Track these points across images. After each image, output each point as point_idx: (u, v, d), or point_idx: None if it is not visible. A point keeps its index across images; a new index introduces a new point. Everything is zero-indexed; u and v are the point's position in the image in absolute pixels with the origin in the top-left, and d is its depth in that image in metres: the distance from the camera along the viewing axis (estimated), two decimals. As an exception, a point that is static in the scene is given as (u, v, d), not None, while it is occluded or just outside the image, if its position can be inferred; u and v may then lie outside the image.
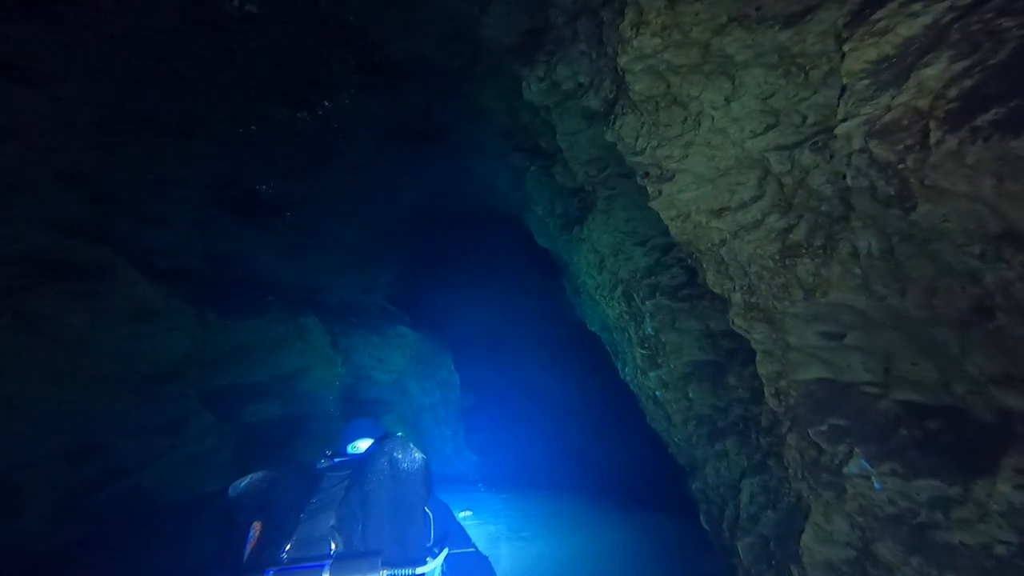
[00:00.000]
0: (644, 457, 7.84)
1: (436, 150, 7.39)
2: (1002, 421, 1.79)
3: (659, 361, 4.63)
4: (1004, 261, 1.39)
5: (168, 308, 5.70)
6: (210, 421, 6.59)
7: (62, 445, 5.13)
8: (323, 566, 1.56)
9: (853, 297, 2.20)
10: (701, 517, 4.39)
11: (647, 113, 2.70)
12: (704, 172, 2.61)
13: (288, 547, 1.66)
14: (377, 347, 9.55)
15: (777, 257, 2.45)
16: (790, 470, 2.70)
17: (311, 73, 5.81)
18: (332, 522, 1.72)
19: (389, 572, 1.58)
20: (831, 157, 2.09)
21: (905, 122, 1.50)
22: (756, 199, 2.51)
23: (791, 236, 2.38)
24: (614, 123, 2.97)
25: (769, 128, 2.33)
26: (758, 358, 2.87)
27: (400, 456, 1.84)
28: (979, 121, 1.27)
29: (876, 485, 2.21)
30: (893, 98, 1.54)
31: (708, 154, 2.55)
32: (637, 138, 2.83)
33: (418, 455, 1.87)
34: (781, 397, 2.75)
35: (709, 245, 2.75)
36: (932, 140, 1.39)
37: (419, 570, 1.65)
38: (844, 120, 1.75)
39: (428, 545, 1.88)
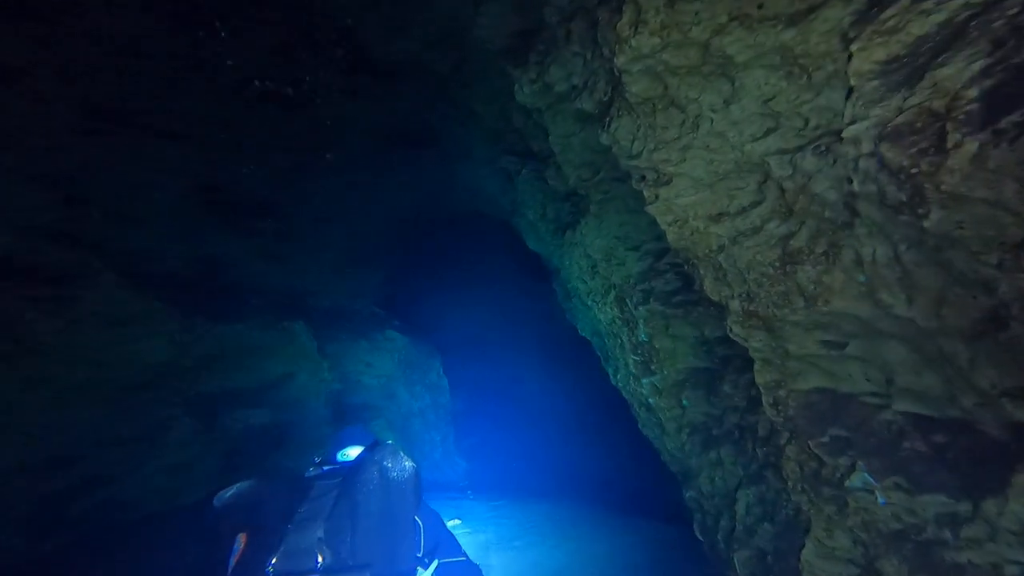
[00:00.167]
0: (637, 463, 7.77)
1: (425, 153, 7.29)
2: (1014, 436, 1.73)
3: (652, 368, 4.56)
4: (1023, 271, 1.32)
5: (148, 313, 5.52)
6: (193, 429, 6.41)
7: (36, 455, 4.93)
8: None
9: (856, 306, 2.13)
10: (695, 527, 4.31)
11: (644, 115, 2.62)
12: (702, 176, 2.54)
13: (274, 560, 1.62)
14: (365, 352, 9.42)
15: (777, 264, 2.38)
16: (789, 482, 2.63)
17: (297, 74, 5.68)
18: (320, 533, 1.68)
19: None
20: (835, 161, 2.03)
21: (919, 124, 1.44)
22: (756, 204, 2.44)
23: (792, 242, 2.31)
24: (609, 126, 2.90)
25: (770, 131, 2.26)
26: (756, 367, 2.80)
27: (390, 465, 1.81)
28: (1003, 123, 1.20)
29: (880, 500, 2.14)
30: (905, 99, 1.47)
31: (707, 158, 2.48)
32: (633, 141, 2.76)
33: (408, 464, 1.84)
34: (780, 407, 2.68)
35: (707, 251, 2.68)
36: (949, 143, 1.33)
37: None
38: (852, 123, 1.68)
39: (419, 555, 1.86)
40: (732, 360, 3.89)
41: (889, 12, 1.59)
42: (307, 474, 2.09)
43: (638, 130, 2.72)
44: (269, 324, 7.41)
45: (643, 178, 2.81)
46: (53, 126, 4.50)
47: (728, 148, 2.42)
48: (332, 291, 9.01)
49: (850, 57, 1.73)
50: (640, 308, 4.44)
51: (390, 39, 5.51)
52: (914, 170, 1.44)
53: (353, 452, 2.31)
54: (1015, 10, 1.21)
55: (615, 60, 2.46)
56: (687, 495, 4.39)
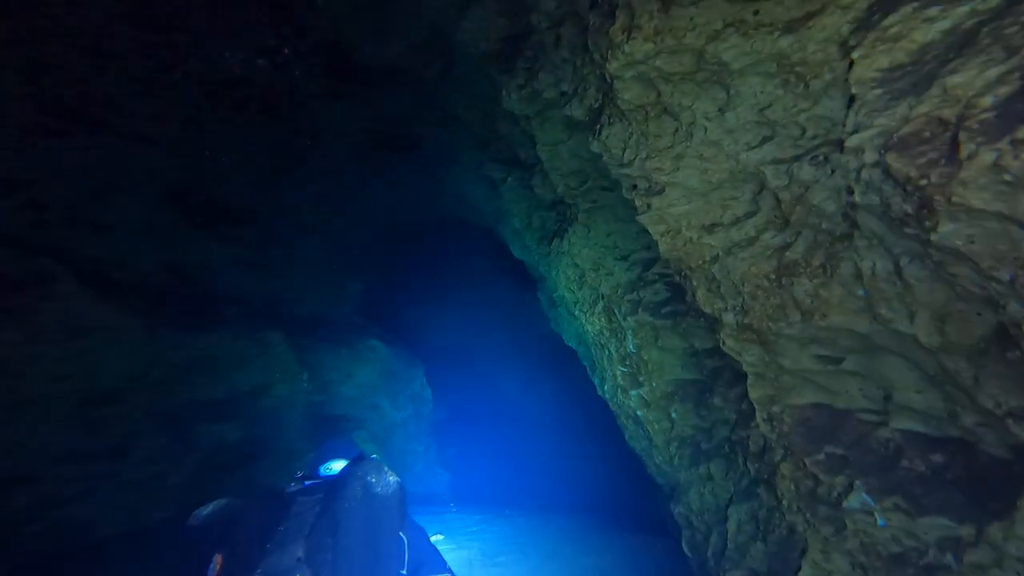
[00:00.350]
0: (623, 475, 7.68)
1: (408, 159, 7.16)
2: (1019, 457, 1.67)
3: (640, 379, 4.48)
4: (1037, 288, 1.27)
5: (112, 323, 5.25)
6: (159, 444, 6.11)
7: (-15, 475, 4.61)
8: None
9: (855, 320, 2.08)
10: (683, 543, 4.22)
11: (636, 123, 2.56)
12: (696, 186, 2.47)
13: None
14: (346, 361, 9.18)
15: (773, 276, 2.32)
16: (784, 501, 2.55)
17: (276, 78, 5.52)
18: (300, 553, 1.62)
19: None
20: (833, 172, 1.97)
21: (927, 134, 1.38)
22: (750, 215, 2.38)
23: (788, 254, 2.25)
24: (600, 133, 2.82)
25: (765, 140, 2.21)
26: (750, 381, 2.73)
27: (374, 480, 1.76)
28: (1021, 133, 1.14)
29: (879, 521, 2.07)
30: (912, 108, 1.42)
31: (700, 167, 2.42)
32: (624, 149, 2.69)
33: (393, 478, 1.80)
34: (774, 423, 2.61)
35: (700, 262, 2.61)
36: (963, 153, 1.27)
37: None
38: (854, 132, 1.63)
39: (403, 572, 1.79)
40: (722, 372, 3.83)
41: (892, 19, 1.54)
42: (288, 489, 2.01)
43: (630, 138, 2.65)
44: (244, 333, 7.15)
45: (635, 187, 2.74)
46: (10, 126, 4.26)
47: (723, 157, 2.36)
48: (311, 299, 8.78)
49: (851, 65, 1.68)
50: (629, 319, 4.37)
51: (373, 43, 5.40)
52: (923, 181, 1.38)
53: (337, 466, 2.22)
54: (1033, 15, 1.16)
55: (607, 66, 2.39)
56: (675, 510, 4.30)
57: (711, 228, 2.52)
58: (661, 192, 2.59)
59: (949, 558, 1.87)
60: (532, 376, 10.96)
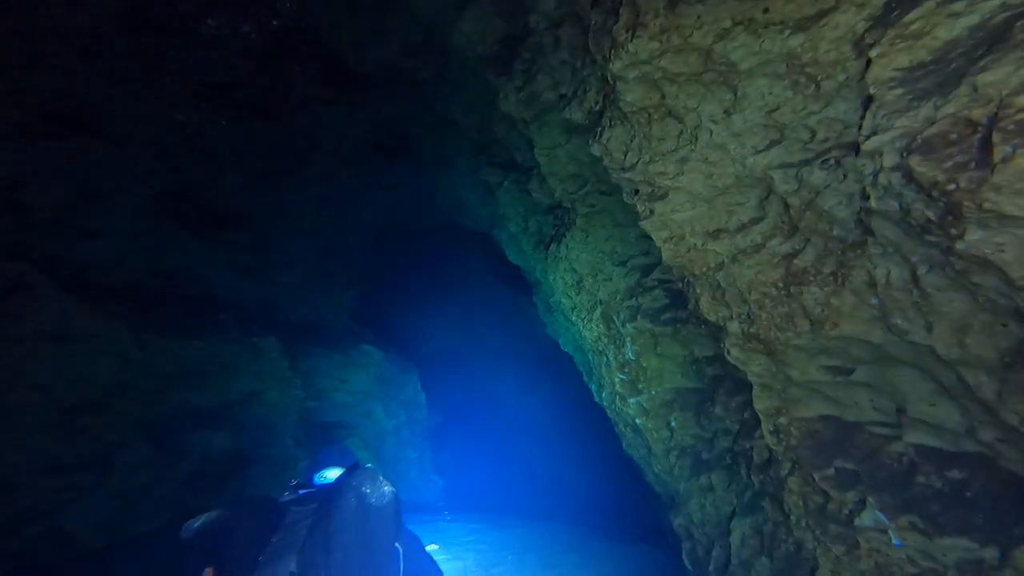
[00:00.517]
0: (620, 483, 7.58)
1: (403, 163, 7.06)
2: (1045, 476, 1.59)
3: (639, 387, 4.39)
4: (1071, 300, 1.19)
5: (98, 330, 5.10)
6: (147, 453, 5.95)
7: (-37, 487, 4.45)
8: None
9: (867, 330, 2.00)
10: (684, 556, 4.13)
11: (638, 126, 2.48)
12: (700, 190, 2.39)
13: None
14: (339, 367, 9.05)
15: (781, 284, 2.24)
16: (792, 517, 2.46)
17: (269, 81, 5.42)
18: (293, 567, 1.59)
19: None
20: (845, 176, 1.90)
21: (954, 135, 1.30)
22: (757, 220, 2.30)
23: (796, 262, 2.17)
24: (601, 136, 2.74)
25: (773, 144, 2.13)
26: (755, 392, 2.65)
27: (369, 491, 1.72)
28: (1063, 135, 1.07)
29: (894, 541, 1.99)
30: (937, 108, 1.34)
31: (705, 171, 2.34)
32: (626, 153, 2.60)
33: (388, 489, 1.76)
34: (781, 435, 2.52)
35: (704, 269, 2.53)
36: (996, 156, 1.19)
37: None
38: (872, 135, 1.55)
39: None
40: (723, 381, 3.75)
41: (913, 15, 1.46)
42: (282, 498, 1.99)
43: (632, 141, 2.57)
44: (236, 339, 7.01)
45: (636, 192, 2.66)
46: (-6, 127, 4.14)
47: (728, 161, 2.28)
48: (305, 304, 8.65)
49: (868, 64, 1.60)
50: (627, 325, 4.29)
51: (367, 46, 5.31)
52: (951, 186, 1.31)
53: (332, 474, 2.21)
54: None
55: (609, 66, 2.31)
56: (675, 522, 4.21)
57: (716, 234, 2.44)
58: (664, 197, 2.51)
59: (969, 581, 1.79)
60: (528, 381, 10.86)
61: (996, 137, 1.19)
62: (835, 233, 1.99)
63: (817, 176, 2.00)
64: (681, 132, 2.34)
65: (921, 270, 1.67)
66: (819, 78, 1.89)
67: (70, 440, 5.05)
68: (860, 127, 1.66)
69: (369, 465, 1.98)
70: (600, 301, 4.62)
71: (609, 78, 2.41)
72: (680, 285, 3.01)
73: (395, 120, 6.35)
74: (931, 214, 1.41)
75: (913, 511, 1.94)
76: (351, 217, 7.92)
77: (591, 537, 6.75)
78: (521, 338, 10.46)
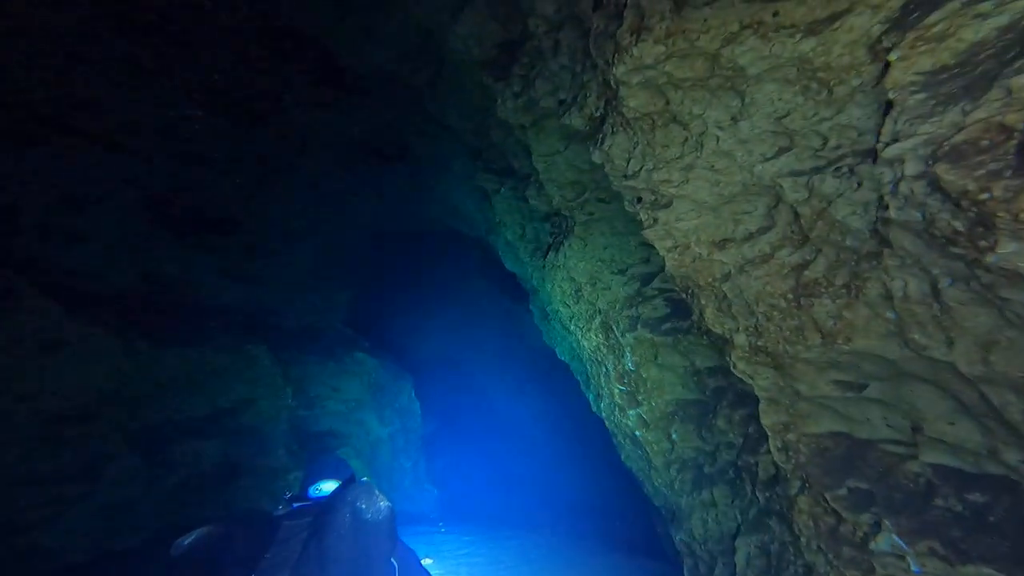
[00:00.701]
0: (617, 494, 7.46)
1: (397, 168, 6.98)
2: (1076, 502, 1.51)
3: (639, 398, 4.30)
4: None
5: (84, 338, 4.97)
6: (134, 464, 5.81)
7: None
8: None
9: (882, 345, 1.91)
10: (685, 572, 4.02)
11: (642, 132, 2.40)
12: (706, 199, 2.31)
13: None
14: (332, 375, 8.93)
15: (790, 296, 2.16)
16: (802, 538, 2.37)
17: (262, 85, 5.32)
18: None
19: None
20: (859, 185, 1.82)
21: (986, 142, 1.23)
22: (765, 230, 2.22)
23: (807, 273, 2.09)
24: (602, 143, 2.66)
25: (782, 151, 2.06)
26: (762, 406, 2.56)
27: (364, 506, 1.66)
28: (1111, 143, 1.00)
29: (913, 568, 1.90)
30: (966, 114, 1.27)
31: (711, 179, 2.26)
32: (629, 160, 2.53)
33: (384, 504, 1.70)
34: (790, 452, 2.43)
35: (710, 280, 2.45)
36: (1035, 166, 1.12)
37: None
38: (893, 141, 1.47)
39: None
40: (725, 393, 3.67)
41: (935, 17, 1.39)
42: (276, 512, 1.95)
43: (635, 148, 2.50)
44: (227, 347, 6.88)
45: (639, 200, 2.58)
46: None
47: (735, 169, 2.20)
48: (297, 311, 8.52)
49: (887, 68, 1.53)
50: (627, 335, 4.20)
51: (360, 49, 5.23)
52: (983, 195, 1.23)
53: (327, 486, 2.15)
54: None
55: (612, 71, 2.24)
56: (677, 537, 4.10)
57: (722, 244, 2.36)
58: (668, 205, 2.43)
59: (994, 611, 1.70)
60: (523, 388, 10.75)
61: (1035, 144, 1.12)
62: (848, 244, 1.92)
63: (829, 184, 1.92)
64: (686, 139, 2.27)
65: (943, 283, 1.59)
66: (831, 83, 1.82)
67: (55, 451, 4.91)
68: (879, 134, 1.59)
69: (365, 479, 1.90)
70: (599, 310, 4.53)
71: (612, 83, 2.33)
72: (683, 295, 2.93)
73: (389, 124, 6.26)
74: (958, 225, 1.33)
75: (933, 536, 1.85)
76: (344, 223, 7.82)
77: (587, 550, 6.63)
78: (516, 345, 10.36)
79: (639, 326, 4.14)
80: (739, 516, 3.34)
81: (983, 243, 1.29)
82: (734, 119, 2.11)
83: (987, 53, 1.27)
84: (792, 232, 2.13)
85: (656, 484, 4.52)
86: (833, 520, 2.20)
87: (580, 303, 4.65)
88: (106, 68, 4.41)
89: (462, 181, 6.51)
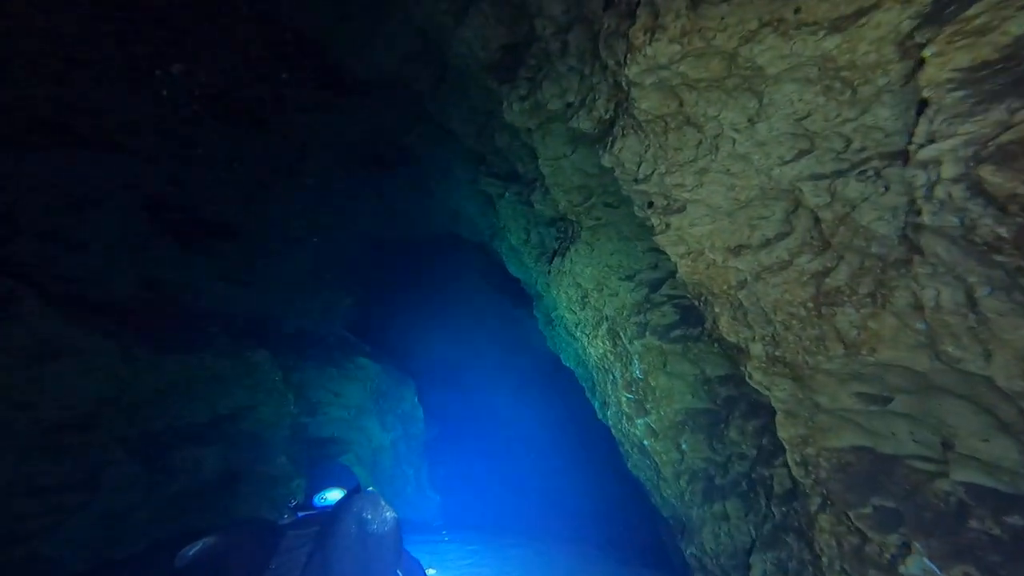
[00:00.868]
0: (624, 502, 7.34)
1: (400, 172, 6.92)
2: None
3: (648, 407, 4.20)
4: None
5: (84, 344, 4.90)
6: (133, 472, 5.72)
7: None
8: None
9: (911, 357, 1.82)
10: (696, 586, 3.91)
11: (654, 135, 2.32)
12: (721, 203, 2.23)
13: None
14: (334, 381, 8.84)
15: (811, 304, 2.07)
16: (823, 558, 2.26)
17: (263, 89, 5.27)
18: None
19: None
20: (887, 188, 1.73)
21: (1036, 144, 1.15)
22: (783, 236, 2.13)
23: (828, 280, 2.00)
24: (612, 146, 2.58)
25: (802, 154, 1.97)
26: (779, 418, 2.46)
27: (370, 517, 1.65)
28: None
29: (946, 592, 1.79)
30: (1013, 112, 1.18)
31: (727, 183, 2.18)
32: (640, 163, 2.44)
33: (390, 515, 1.68)
34: (809, 467, 2.33)
35: (725, 287, 2.36)
36: (1096, 169, 1.03)
37: None
38: (929, 143, 1.39)
39: None
40: (737, 403, 3.57)
41: (975, 10, 1.31)
42: (280, 521, 1.95)
43: (646, 151, 2.41)
44: (227, 353, 6.80)
45: (650, 204, 2.49)
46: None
47: (752, 172, 2.12)
48: (298, 316, 8.45)
49: (919, 65, 1.44)
50: (635, 342, 4.10)
51: (363, 53, 5.18)
52: (1034, 201, 1.15)
53: (333, 495, 2.13)
54: None
55: (625, 71, 2.15)
56: (687, 551, 3.99)
57: (737, 250, 2.27)
58: (682, 210, 2.34)
59: (1035, 641, 1.59)
60: (526, 394, 10.66)
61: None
62: (874, 250, 1.83)
63: (853, 188, 1.83)
64: (700, 142, 2.18)
65: (980, 292, 1.50)
66: (856, 82, 1.73)
67: (54, 460, 4.83)
68: (910, 135, 1.50)
69: (371, 488, 1.88)
70: (606, 316, 4.44)
71: (624, 84, 2.25)
72: (695, 302, 2.84)
73: (391, 128, 6.21)
74: (1003, 231, 1.24)
75: (968, 561, 1.75)
76: (345, 227, 7.76)
77: (591, 560, 6.50)
78: (520, 351, 10.27)
79: (647, 333, 4.05)
80: (753, 531, 3.23)
81: (1031, 251, 1.20)
82: (751, 121, 2.03)
83: (1034, 47, 1.19)
84: (812, 238, 2.04)
85: (665, 495, 4.41)
86: (858, 540, 2.10)
87: (586, 309, 4.56)
88: (106, 70, 4.36)
89: (465, 186, 6.44)
